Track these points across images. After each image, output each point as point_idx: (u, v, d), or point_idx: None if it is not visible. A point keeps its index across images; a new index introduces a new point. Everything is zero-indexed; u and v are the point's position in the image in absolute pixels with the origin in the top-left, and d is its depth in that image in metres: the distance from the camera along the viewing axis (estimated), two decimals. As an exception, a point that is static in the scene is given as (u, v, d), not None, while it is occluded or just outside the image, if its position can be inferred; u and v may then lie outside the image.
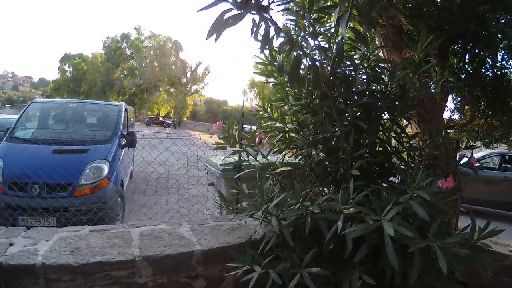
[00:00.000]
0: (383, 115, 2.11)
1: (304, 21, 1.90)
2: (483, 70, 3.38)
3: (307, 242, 1.72)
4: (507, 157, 8.72)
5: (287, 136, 2.27)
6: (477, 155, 8.39)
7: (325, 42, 2.07)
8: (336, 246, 1.65)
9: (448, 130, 2.82)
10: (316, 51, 1.95)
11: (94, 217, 4.55)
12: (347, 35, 2.05)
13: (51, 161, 5.04)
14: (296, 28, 1.96)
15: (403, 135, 2.17)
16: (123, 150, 6.38)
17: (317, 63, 1.85)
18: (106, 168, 5.25)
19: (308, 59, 1.85)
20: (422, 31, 1.90)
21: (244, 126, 3.75)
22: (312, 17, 1.89)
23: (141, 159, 5.48)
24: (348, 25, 1.70)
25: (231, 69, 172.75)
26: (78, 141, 5.77)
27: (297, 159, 2.28)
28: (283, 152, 2.32)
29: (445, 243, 1.36)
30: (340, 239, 1.56)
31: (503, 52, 3.29)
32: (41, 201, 4.68)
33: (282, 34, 1.65)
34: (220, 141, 2.08)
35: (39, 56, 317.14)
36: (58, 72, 59.70)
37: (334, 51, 1.88)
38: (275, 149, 2.32)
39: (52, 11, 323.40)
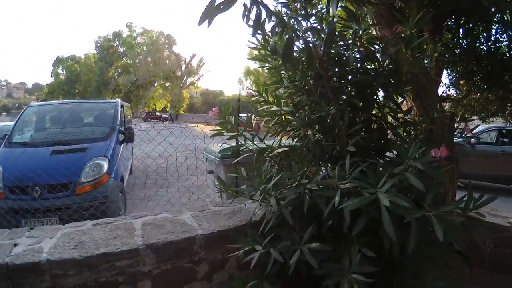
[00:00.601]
0: (377, 92, 2.11)
1: (296, 4, 1.89)
2: (477, 44, 3.37)
3: (306, 221, 1.73)
4: (504, 131, 8.81)
5: (283, 118, 2.27)
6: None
7: (317, 24, 2.06)
8: (334, 222, 1.66)
9: (445, 106, 2.82)
10: (309, 33, 1.94)
11: (96, 212, 4.58)
12: (340, 15, 2.04)
13: (51, 162, 5.06)
14: (288, 12, 1.95)
15: (398, 110, 2.18)
16: (122, 145, 6.39)
17: (310, 44, 1.84)
18: (105, 165, 5.28)
19: (301, 41, 1.84)
20: (412, 8, 1.89)
21: (241, 114, 3.76)
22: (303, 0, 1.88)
23: (139, 151, 5.49)
24: (340, 5, 1.69)
25: (225, 59, 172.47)
26: (77, 141, 5.78)
27: (294, 141, 2.29)
28: (279, 135, 2.32)
29: (440, 212, 1.37)
30: (339, 215, 1.57)
31: (497, 25, 3.28)
32: (43, 201, 4.71)
33: (273, 18, 1.65)
34: (217, 127, 2.09)
35: (31, 62, 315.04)
36: (51, 76, 59.41)
37: (326, 32, 1.88)
38: (272, 133, 2.33)
39: (41, 15, 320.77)
